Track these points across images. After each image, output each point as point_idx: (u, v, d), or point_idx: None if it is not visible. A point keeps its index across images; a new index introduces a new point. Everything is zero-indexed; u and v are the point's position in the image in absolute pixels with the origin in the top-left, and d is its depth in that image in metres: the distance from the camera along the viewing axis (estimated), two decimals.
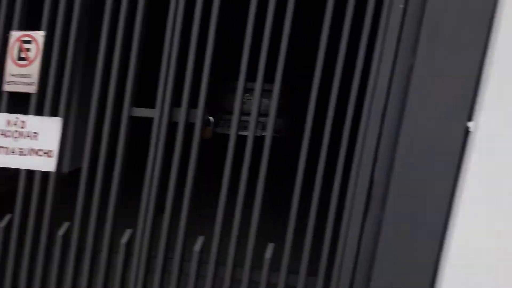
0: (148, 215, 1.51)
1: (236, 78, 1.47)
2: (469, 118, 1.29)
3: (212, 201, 1.57)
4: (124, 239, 1.52)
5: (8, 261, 1.57)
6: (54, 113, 1.58)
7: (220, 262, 1.48)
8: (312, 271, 1.43)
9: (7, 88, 1.60)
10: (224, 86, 4.00)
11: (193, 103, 1.52)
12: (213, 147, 2.03)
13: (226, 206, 1.48)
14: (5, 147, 1.61)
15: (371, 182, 1.38)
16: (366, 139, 1.37)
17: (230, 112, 1.57)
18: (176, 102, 1.53)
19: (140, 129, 1.74)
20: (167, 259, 1.49)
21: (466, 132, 1.29)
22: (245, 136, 1.45)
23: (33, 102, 1.58)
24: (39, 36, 1.54)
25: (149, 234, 1.50)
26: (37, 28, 1.55)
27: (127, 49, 1.53)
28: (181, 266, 1.48)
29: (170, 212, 1.51)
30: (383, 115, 1.36)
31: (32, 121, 1.59)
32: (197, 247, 1.48)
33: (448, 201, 1.31)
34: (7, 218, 1.61)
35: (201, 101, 1.51)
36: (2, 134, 1.62)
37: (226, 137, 1.51)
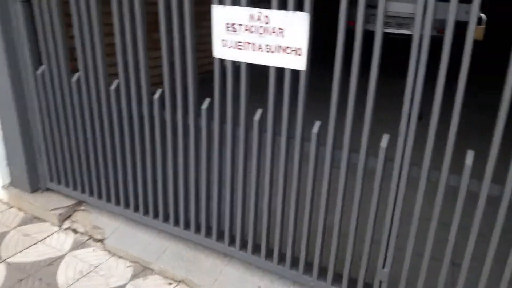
0: (411, 121, 1.38)
1: None
2: None
3: None
4: (384, 143, 1.45)
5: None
6: (298, 8, 1.42)
7: None
8: None
9: None
10: None
11: None
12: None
13: None
14: (251, 43, 1.56)
15: None
16: None
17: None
18: None
19: None
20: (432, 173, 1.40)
21: None
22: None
23: None
24: None
25: (412, 142, 1.40)
26: None
27: None
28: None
29: (437, 122, 1.34)
30: None
31: (276, 16, 1.46)
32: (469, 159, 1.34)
33: None
34: (259, 112, 1.67)
35: None
36: (246, 30, 1.56)
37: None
